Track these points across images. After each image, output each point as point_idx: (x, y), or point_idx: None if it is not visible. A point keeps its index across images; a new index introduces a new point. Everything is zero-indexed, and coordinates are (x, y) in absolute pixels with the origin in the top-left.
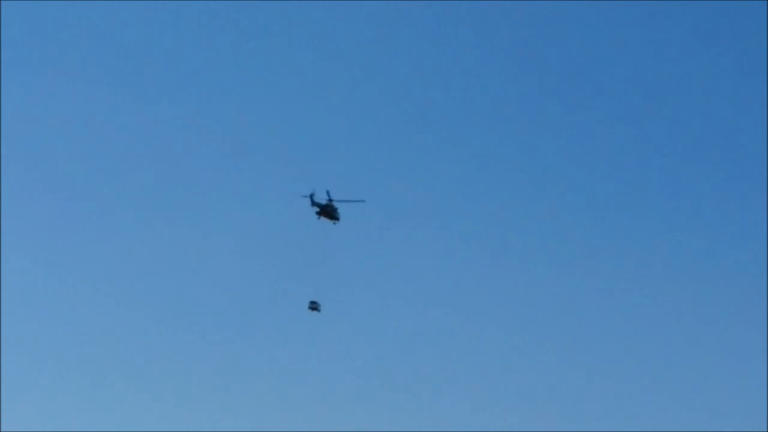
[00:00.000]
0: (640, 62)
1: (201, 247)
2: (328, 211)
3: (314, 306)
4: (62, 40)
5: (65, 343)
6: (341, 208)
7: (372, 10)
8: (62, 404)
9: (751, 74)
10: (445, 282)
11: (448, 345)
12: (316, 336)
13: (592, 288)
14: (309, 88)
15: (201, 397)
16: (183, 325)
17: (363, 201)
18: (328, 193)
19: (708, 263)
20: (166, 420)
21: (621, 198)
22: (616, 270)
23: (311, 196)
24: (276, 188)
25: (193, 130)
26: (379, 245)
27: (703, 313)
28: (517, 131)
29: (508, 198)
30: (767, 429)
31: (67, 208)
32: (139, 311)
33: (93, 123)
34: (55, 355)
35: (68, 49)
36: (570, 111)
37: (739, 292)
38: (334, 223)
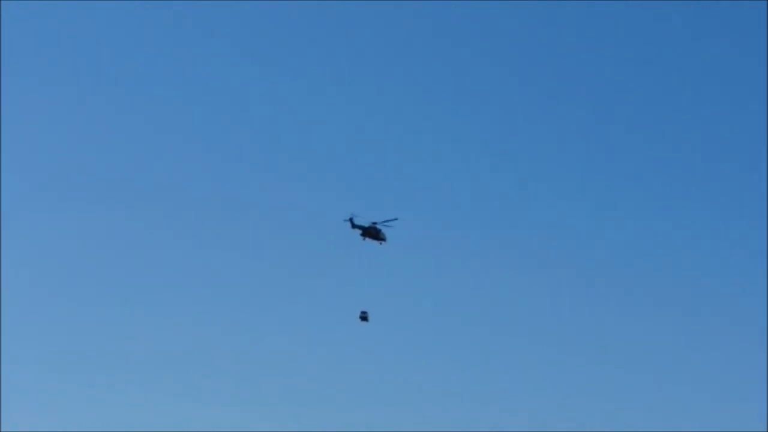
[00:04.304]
0: (640, 62)
1: (200, 248)
2: (372, 232)
3: (364, 316)
4: (62, 40)
5: (65, 344)
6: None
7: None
8: (62, 404)
9: (751, 74)
10: (453, 287)
11: (455, 350)
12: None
13: (593, 289)
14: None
15: (201, 398)
16: (184, 327)
17: (396, 219)
18: (375, 223)
19: (708, 263)
20: (167, 420)
21: (632, 201)
22: (620, 272)
23: (351, 220)
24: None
25: (211, 134)
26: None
27: (703, 313)
28: (520, 136)
29: (510, 201)
30: (767, 429)
31: (68, 209)
32: (139, 313)
33: (93, 123)
34: (55, 355)
35: (68, 49)
36: (589, 118)
37: (739, 292)
38: (381, 243)
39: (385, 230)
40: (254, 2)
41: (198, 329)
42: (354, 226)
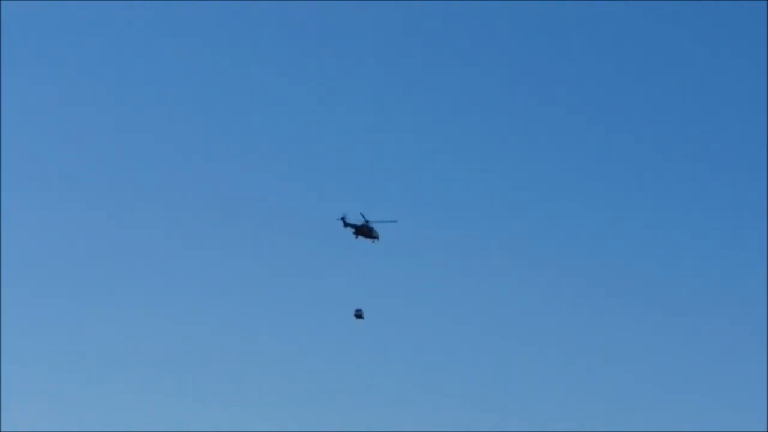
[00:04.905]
0: (640, 62)
1: (198, 249)
2: (364, 231)
3: (359, 314)
4: (62, 40)
5: (65, 344)
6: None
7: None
8: (62, 404)
9: (751, 74)
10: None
11: (452, 349)
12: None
13: (591, 289)
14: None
15: (200, 398)
16: (184, 327)
17: (395, 221)
18: (363, 216)
19: (708, 263)
20: (167, 420)
21: (629, 200)
22: (619, 271)
23: (343, 219)
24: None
25: (206, 134)
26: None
27: (703, 313)
28: (520, 136)
29: (505, 199)
30: (767, 429)
31: (68, 209)
32: (137, 314)
33: (92, 123)
34: (55, 355)
35: (68, 49)
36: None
37: (739, 292)
38: (373, 242)
39: (377, 228)
40: (247, 2)
41: (196, 329)
42: (346, 224)
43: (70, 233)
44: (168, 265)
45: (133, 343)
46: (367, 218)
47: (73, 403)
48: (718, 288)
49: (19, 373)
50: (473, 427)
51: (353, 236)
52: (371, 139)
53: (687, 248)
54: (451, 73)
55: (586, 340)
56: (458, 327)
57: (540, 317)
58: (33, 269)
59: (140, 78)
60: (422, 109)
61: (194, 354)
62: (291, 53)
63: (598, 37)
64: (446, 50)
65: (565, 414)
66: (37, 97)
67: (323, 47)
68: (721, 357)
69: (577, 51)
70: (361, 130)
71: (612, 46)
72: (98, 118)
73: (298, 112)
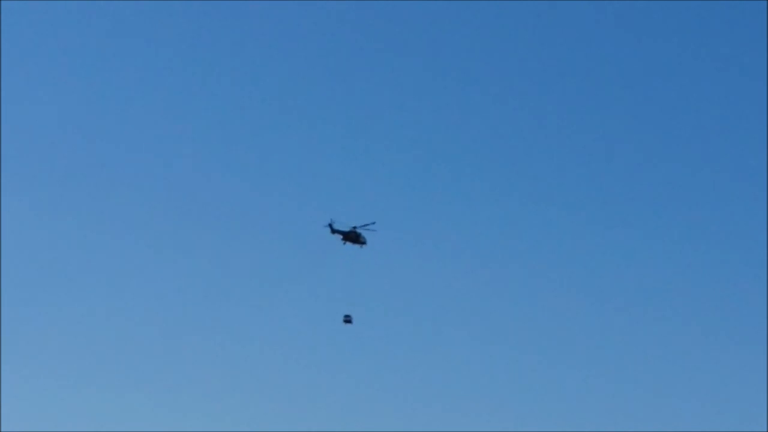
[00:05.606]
0: (640, 63)
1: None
2: (352, 236)
3: (348, 319)
4: (62, 40)
5: (65, 344)
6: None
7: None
8: (62, 404)
9: (751, 74)
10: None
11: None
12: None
13: (590, 290)
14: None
15: (201, 398)
16: (183, 327)
17: (373, 222)
18: (355, 228)
19: (708, 263)
20: (166, 420)
21: (623, 201)
22: (618, 272)
23: (330, 225)
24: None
25: (203, 134)
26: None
27: (703, 313)
28: (518, 136)
29: (493, 202)
30: (767, 429)
31: (68, 209)
32: (135, 315)
33: (93, 123)
34: (55, 355)
35: (68, 49)
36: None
37: (739, 291)
38: (361, 247)
39: (364, 234)
40: (240, 3)
41: (191, 332)
42: (334, 231)
43: (69, 233)
44: (164, 267)
45: (131, 344)
46: (354, 224)
47: (73, 403)
48: (718, 288)
49: (19, 373)
50: (468, 427)
51: (341, 242)
52: (361, 144)
53: (686, 248)
54: (437, 77)
55: (584, 341)
56: (446, 330)
57: (532, 320)
58: (33, 269)
59: (139, 78)
60: (412, 114)
61: (190, 356)
62: (281, 55)
63: (593, 37)
64: (435, 52)
65: (564, 415)
66: (37, 97)
67: (311, 49)
68: (721, 357)
69: (573, 51)
70: (350, 135)
71: (608, 46)
72: (98, 119)
73: (292, 117)
